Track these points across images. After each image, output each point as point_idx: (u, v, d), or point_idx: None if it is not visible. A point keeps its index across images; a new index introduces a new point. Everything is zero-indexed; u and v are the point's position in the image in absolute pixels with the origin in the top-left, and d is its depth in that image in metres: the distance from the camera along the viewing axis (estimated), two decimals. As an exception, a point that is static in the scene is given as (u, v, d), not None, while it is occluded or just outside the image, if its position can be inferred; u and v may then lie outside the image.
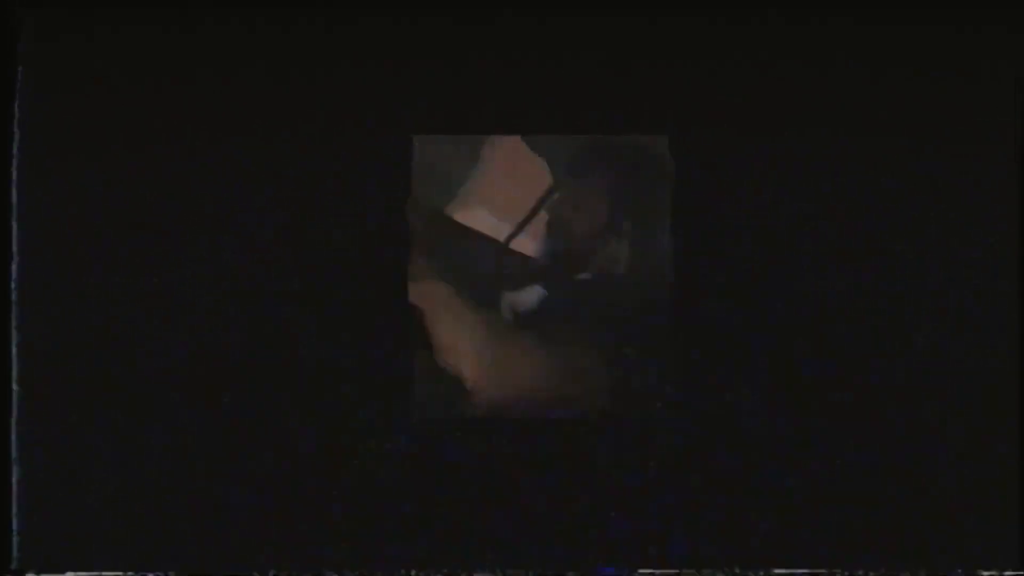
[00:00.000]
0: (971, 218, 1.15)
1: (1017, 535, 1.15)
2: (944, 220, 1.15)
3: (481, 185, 1.17)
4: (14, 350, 1.15)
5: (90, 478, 1.15)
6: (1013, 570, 1.14)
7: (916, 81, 1.15)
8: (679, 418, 1.15)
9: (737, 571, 1.15)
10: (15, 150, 1.15)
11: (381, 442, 1.15)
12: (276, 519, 1.15)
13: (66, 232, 1.15)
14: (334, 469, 1.15)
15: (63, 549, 1.15)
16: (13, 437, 1.15)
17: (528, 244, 1.17)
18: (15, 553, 1.15)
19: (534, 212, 1.16)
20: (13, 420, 1.15)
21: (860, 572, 1.14)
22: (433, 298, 1.15)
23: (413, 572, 1.15)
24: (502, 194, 1.17)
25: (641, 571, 1.14)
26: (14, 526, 1.15)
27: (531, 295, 1.16)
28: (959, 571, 1.15)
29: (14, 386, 1.15)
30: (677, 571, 1.15)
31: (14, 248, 1.15)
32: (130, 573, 1.15)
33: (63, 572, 1.15)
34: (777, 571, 1.15)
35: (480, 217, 1.16)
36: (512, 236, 1.16)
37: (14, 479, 1.15)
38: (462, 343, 1.15)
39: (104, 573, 1.15)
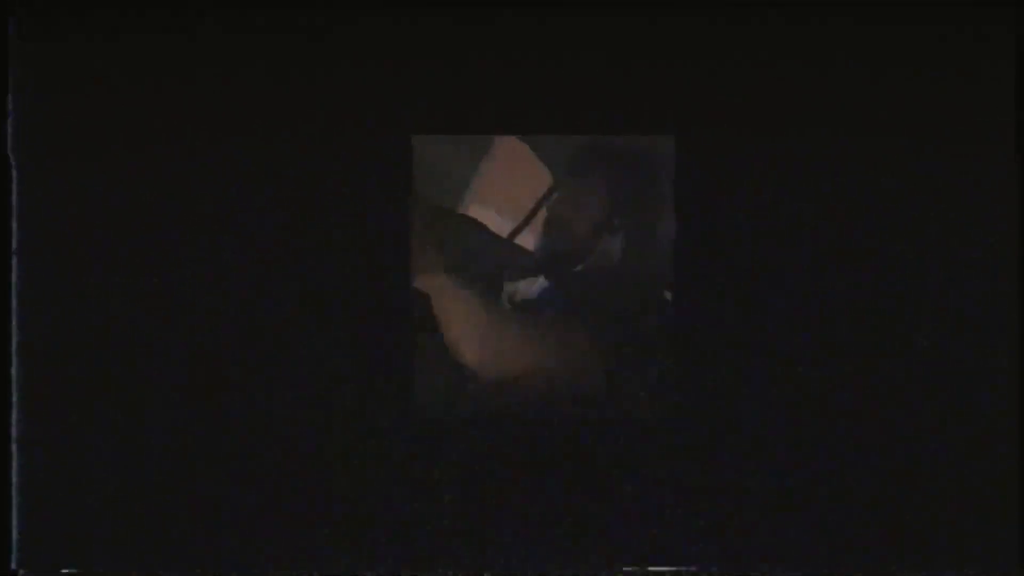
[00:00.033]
0: (971, 218, 1.15)
1: (1017, 537, 1.15)
2: (944, 220, 1.15)
3: (482, 185, 1.17)
4: (14, 350, 1.15)
5: (90, 478, 1.15)
6: (1013, 574, 1.14)
7: (916, 81, 1.15)
8: (674, 417, 1.15)
9: (737, 571, 1.15)
10: (15, 150, 1.15)
11: (382, 442, 1.15)
12: (276, 519, 1.15)
13: (66, 232, 1.15)
14: (335, 469, 1.15)
15: (63, 550, 1.15)
16: (13, 437, 1.15)
17: (529, 241, 1.17)
18: (14, 554, 1.15)
19: (535, 211, 1.17)
20: (13, 420, 1.15)
21: (859, 574, 1.14)
22: (437, 287, 1.15)
23: (413, 572, 1.15)
24: (503, 194, 1.17)
25: (626, 568, 1.14)
26: (14, 527, 1.15)
27: (531, 286, 1.16)
28: (958, 573, 1.14)
29: (14, 386, 1.15)
30: (676, 570, 1.14)
31: (14, 248, 1.15)
32: (131, 574, 1.15)
33: (63, 573, 1.15)
34: (775, 572, 1.15)
35: (483, 216, 1.17)
36: (514, 233, 1.17)
37: (14, 479, 1.15)
38: (465, 327, 1.15)
39: (104, 574, 1.15)
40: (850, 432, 1.14)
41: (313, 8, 1.15)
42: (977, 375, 1.14)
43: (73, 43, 1.15)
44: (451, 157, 1.16)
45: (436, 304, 1.14)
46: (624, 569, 1.15)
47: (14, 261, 1.15)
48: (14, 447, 1.15)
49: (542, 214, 1.14)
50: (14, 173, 1.15)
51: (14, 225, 1.15)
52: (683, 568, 1.14)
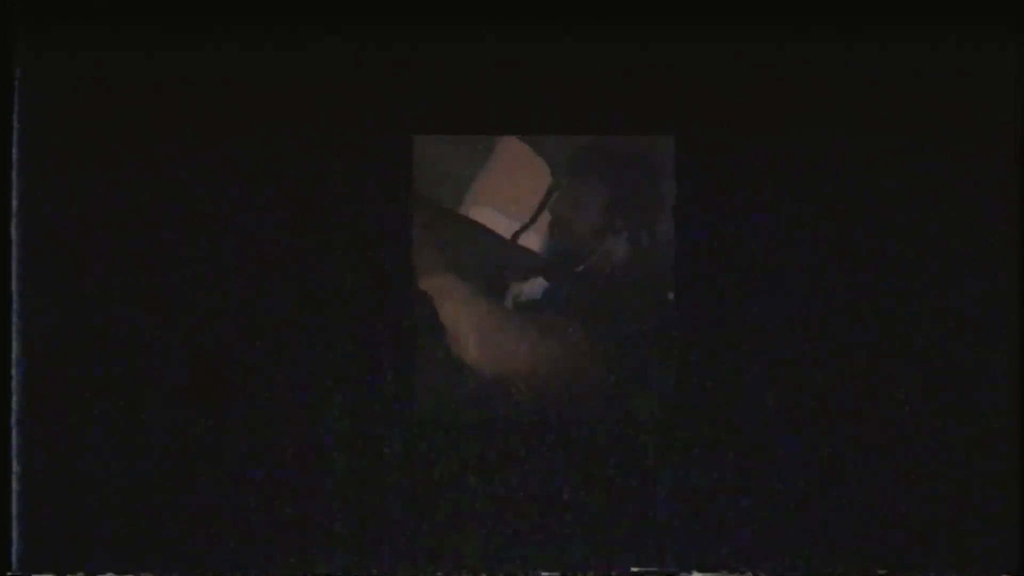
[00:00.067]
0: (971, 218, 1.15)
1: (1017, 538, 1.15)
2: (944, 220, 1.15)
3: (484, 185, 1.17)
4: (14, 350, 1.14)
5: (90, 479, 1.15)
6: (1012, 574, 1.14)
7: (916, 82, 1.15)
8: (674, 417, 1.15)
9: (738, 571, 1.15)
10: (15, 150, 1.15)
11: (382, 442, 1.15)
12: (276, 519, 1.15)
13: (66, 232, 1.15)
14: (335, 470, 1.15)
15: (63, 551, 1.15)
16: (13, 437, 1.15)
17: (534, 241, 1.17)
18: (14, 555, 1.15)
19: (538, 212, 1.17)
20: (13, 420, 1.15)
21: (859, 574, 1.14)
22: (438, 287, 1.15)
23: (413, 572, 1.15)
24: (504, 194, 1.17)
25: (633, 568, 1.14)
26: (14, 528, 1.15)
27: (534, 286, 1.16)
28: (958, 573, 1.15)
29: (14, 386, 1.14)
30: (675, 571, 1.14)
31: (14, 248, 1.15)
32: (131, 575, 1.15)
33: (63, 574, 1.15)
34: (775, 572, 1.15)
35: (485, 215, 1.17)
36: (518, 234, 1.17)
37: (14, 480, 1.15)
38: (466, 327, 1.15)
39: (104, 575, 1.15)
40: (850, 432, 1.14)
41: (313, 8, 1.15)
42: (977, 375, 1.14)
43: (74, 45, 1.15)
44: (452, 157, 1.16)
45: (437, 304, 1.14)
46: (632, 569, 1.15)
47: (14, 261, 1.15)
48: (14, 447, 1.15)
49: (545, 215, 1.14)
50: (14, 173, 1.15)
51: (14, 225, 1.15)
52: (683, 568, 1.15)
